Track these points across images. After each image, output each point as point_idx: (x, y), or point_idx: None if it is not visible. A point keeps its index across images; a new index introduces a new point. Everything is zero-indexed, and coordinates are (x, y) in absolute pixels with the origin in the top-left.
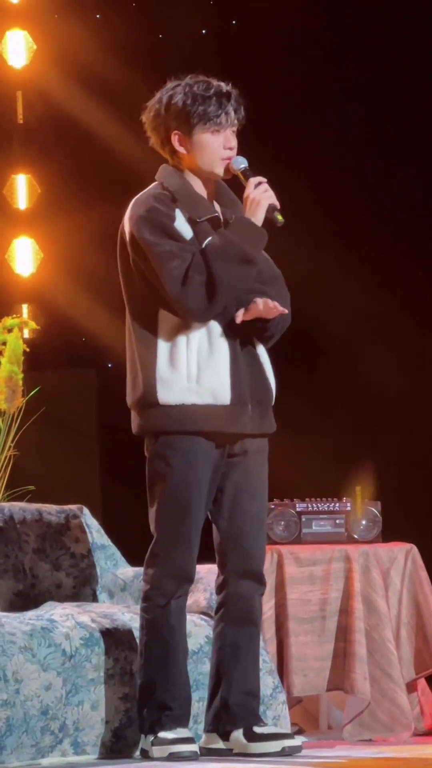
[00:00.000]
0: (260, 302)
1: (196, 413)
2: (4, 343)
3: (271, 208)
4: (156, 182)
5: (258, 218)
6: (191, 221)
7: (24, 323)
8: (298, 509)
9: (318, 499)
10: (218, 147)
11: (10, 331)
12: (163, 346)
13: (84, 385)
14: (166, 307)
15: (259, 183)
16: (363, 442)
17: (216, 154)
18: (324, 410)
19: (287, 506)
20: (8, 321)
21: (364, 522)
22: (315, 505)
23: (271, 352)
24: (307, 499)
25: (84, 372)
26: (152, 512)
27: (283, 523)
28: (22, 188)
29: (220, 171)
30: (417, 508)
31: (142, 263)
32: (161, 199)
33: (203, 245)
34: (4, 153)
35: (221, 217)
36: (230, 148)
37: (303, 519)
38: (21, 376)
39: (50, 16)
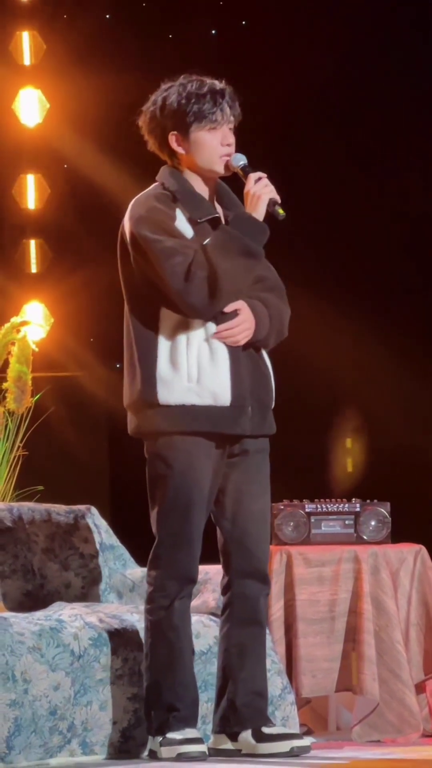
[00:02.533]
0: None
1: (196, 414)
2: (14, 344)
3: (271, 203)
4: (156, 183)
5: (259, 213)
6: (192, 221)
7: (26, 323)
8: (307, 510)
9: (327, 499)
10: (216, 144)
11: (19, 331)
12: (163, 347)
13: (93, 385)
14: (168, 306)
15: (259, 178)
16: (372, 443)
17: (214, 152)
18: (332, 411)
19: (296, 507)
20: (15, 322)
21: (373, 522)
22: (324, 506)
23: (280, 349)
24: (316, 499)
25: (93, 372)
26: (153, 514)
27: (292, 523)
28: (31, 188)
29: (219, 168)
30: (426, 509)
31: (143, 262)
32: (162, 198)
33: (205, 242)
34: (13, 155)
35: (222, 218)
36: (228, 145)
37: (312, 520)
38: (30, 376)
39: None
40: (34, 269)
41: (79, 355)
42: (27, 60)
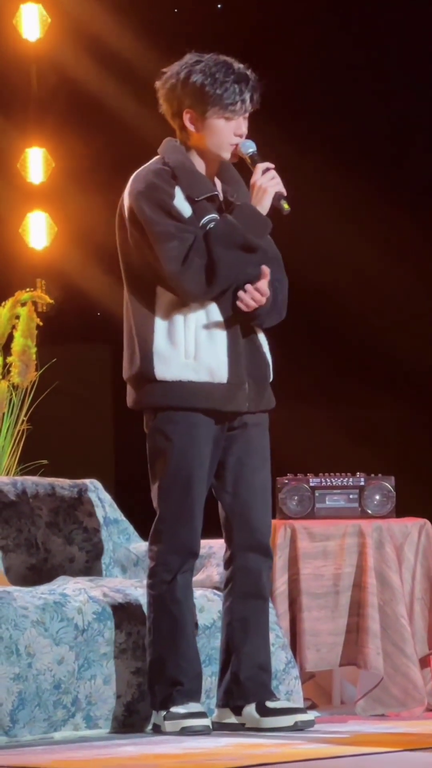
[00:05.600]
0: (241, 295)
1: (193, 390)
2: (18, 317)
3: (277, 196)
4: (158, 156)
5: (264, 206)
6: (190, 199)
7: (37, 297)
8: (311, 484)
9: (332, 473)
10: (229, 133)
11: (23, 305)
12: (160, 322)
13: (98, 359)
14: (162, 284)
15: (267, 169)
16: (378, 416)
17: (226, 140)
18: (339, 384)
19: (301, 481)
20: (22, 295)
21: (377, 497)
22: (329, 480)
23: (283, 325)
24: (320, 473)
25: (98, 346)
26: (154, 488)
27: (296, 497)
28: (37, 162)
29: (226, 155)
30: (431, 483)
31: (140, 238)
32: (161, 175)
33: (202, 224)
34: (19, 127)
35: (221, 196)
36: (240, 135)
37: (317, 494)
38: (34, 350)
39: None
40: (40, 244)
41: (85, 328)
42: (32, 35)
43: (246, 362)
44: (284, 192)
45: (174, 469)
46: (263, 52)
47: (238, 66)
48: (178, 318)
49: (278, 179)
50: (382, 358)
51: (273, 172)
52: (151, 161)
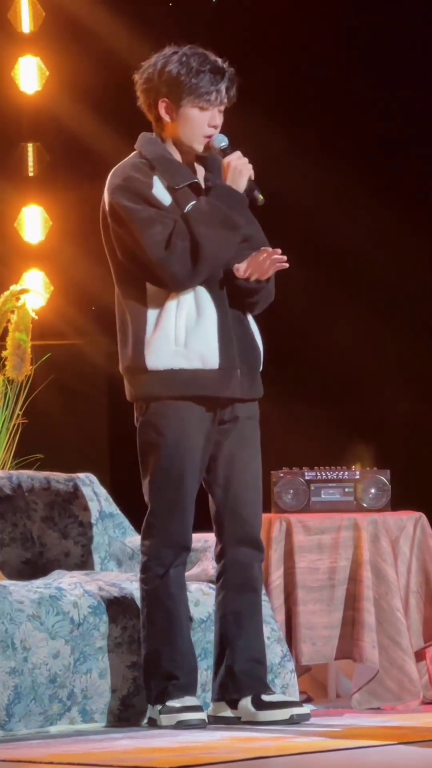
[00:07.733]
0: (264, 251)
1: (185, 377)
2: (13, 312)
3: (252, 184)
4: (135, 151)
5: (240, 187)
6: (170, 189)
7: (25, 291)
8: (306, 477)
9: (327, 467)
10: (203, 124)
11: (18, 299)
12: (152, 313)
13: (93, 353)
14: (149, 279)
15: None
16: (373, 409)
17: (199, 131)
18: (333, 378)
19: (296, 474)
20: (15, 290)
21: (373, 490)
22: (324, 474)
23: (277, 318)
24: (315, 467)
25: (93, 340)
26: (146, 483)
27: (291, 491)
28: (31, 157)
29: (199, 147)
30: (426, 476)
31: (123, 233)
32: (139, 167)
33: (186, 211)
34: (13, 124)
35: (202, 183)
36: (214, 126)
37: (312, 487)
38: (29, 344)
39: None
40: (35, 237)
41: (80, 322)
42: (26, 28)
43: (238, 348)
44: (252, 176)
45: (166, 464)
46: (257, 46)
47: (215, 58)
48: (170, 306)
49: (251, 166)
50: (377, 350)
51: (246, 159)
52: (128, 157)
